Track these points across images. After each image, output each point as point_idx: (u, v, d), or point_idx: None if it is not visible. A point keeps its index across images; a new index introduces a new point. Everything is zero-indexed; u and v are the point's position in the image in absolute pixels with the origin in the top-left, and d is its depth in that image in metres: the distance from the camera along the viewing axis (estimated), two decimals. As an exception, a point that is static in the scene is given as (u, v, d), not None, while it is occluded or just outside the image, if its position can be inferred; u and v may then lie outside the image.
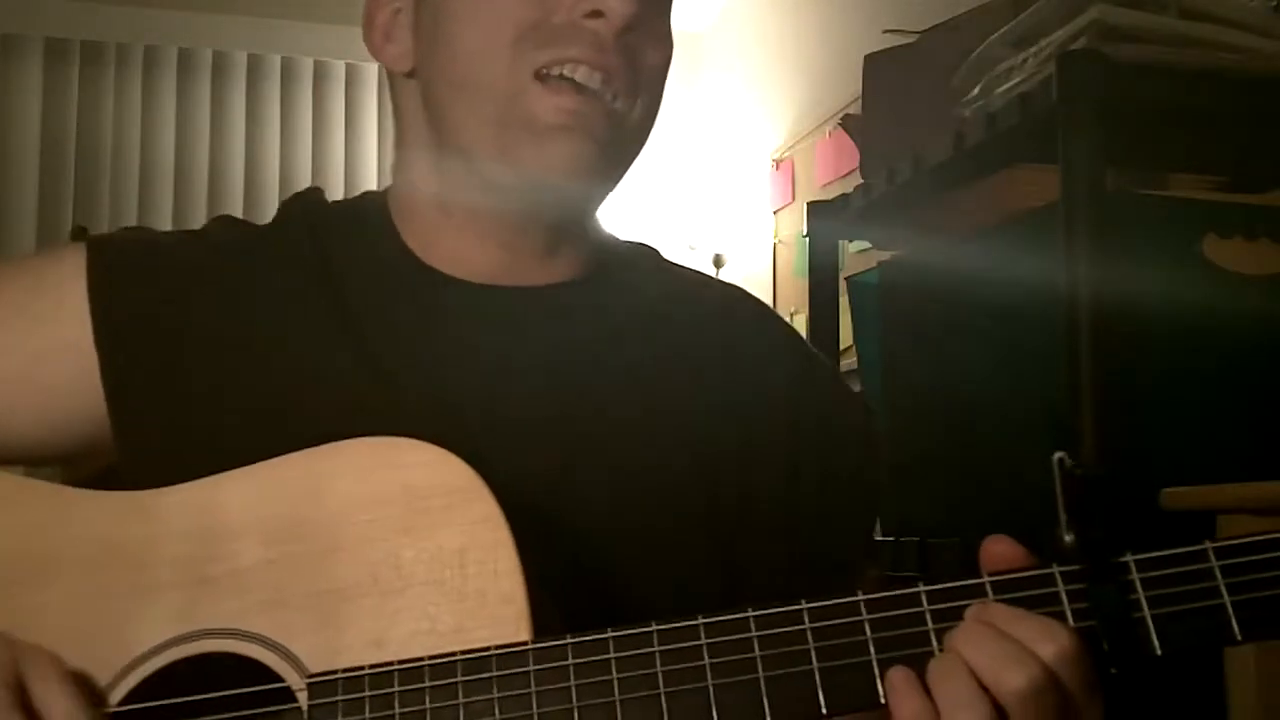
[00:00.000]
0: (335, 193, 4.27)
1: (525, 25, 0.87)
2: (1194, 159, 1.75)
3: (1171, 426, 1.50)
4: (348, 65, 4.41)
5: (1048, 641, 0.68)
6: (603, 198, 0.95)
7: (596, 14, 0.86)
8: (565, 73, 0.87)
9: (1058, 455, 0.72)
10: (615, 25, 0.86)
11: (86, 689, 0.76)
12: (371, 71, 4.43)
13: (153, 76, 4.28)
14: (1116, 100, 1.49)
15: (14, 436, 0.91)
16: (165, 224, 4.12)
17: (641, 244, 1.03)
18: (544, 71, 0.87)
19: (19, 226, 4.10)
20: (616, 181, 0.94)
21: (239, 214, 4.10)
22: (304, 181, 4.30)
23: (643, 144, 0.95)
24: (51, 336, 0.90)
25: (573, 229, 0.95)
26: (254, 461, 0.81)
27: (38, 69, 4.17)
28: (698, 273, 1.05)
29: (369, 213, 0.97)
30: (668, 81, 0.97)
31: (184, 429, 0.88)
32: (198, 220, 4.11)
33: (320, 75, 4.41)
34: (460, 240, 0.93)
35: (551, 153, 0.87)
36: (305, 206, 0.98)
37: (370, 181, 4.34)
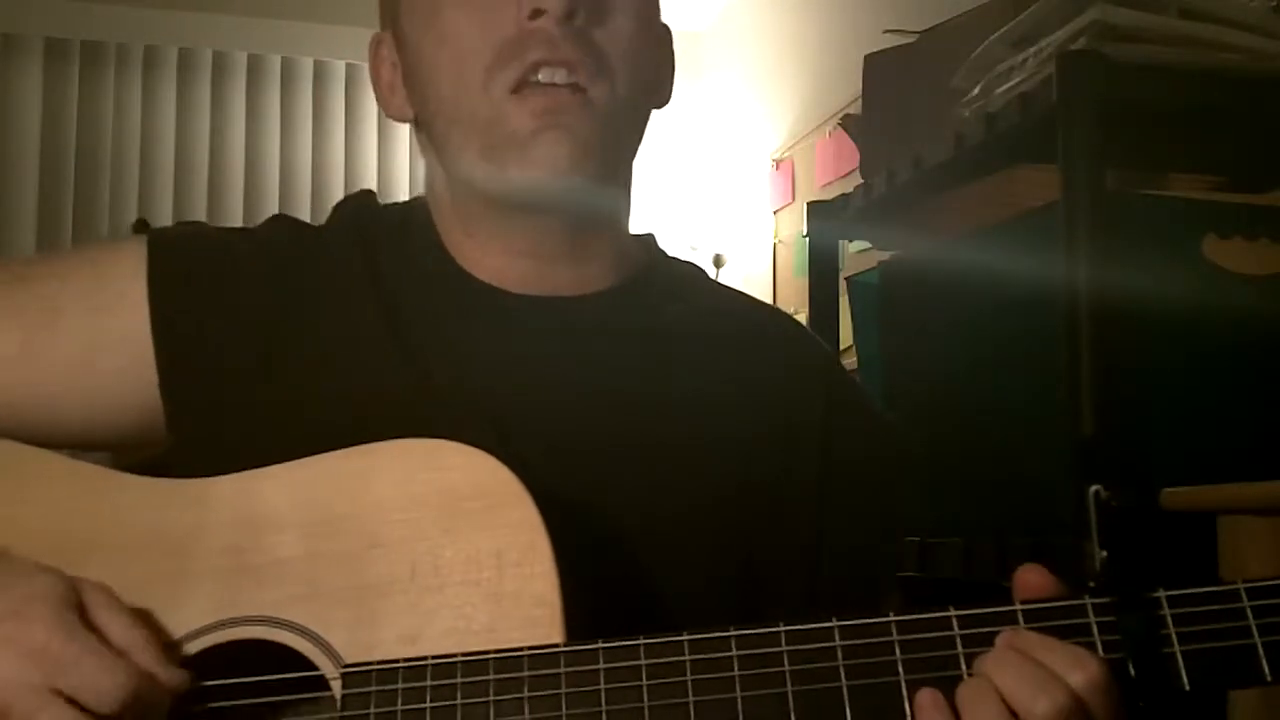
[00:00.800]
0: (335, 192, 4.27)
1: (489, 53, 0.90)
2: (1194, 159, 1.75)
3: (1171, 426, 1.49)
4: (348, 65, 4.41)
5: (1077, 670, 0.69)
6: (614, 193, 0.97)
7: (537, 13, 0.88)
8: (531, 79, 0.89)
9: (1094, 488, 0.73)
10: (557, 16, 0.88)
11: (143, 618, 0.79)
12: (371, 71, 4.43)
13: (153, 76, 4.28)
14: (1116, 100, 1.49)
15: (71, 420, 0.93)
16: (165, 223, 4.11)
17: (689, 263, 1.06)
18: (516, 87, 0.89)
19: (19, 226, 4.09)
20: (615, 171, 0.95)
21: (238, 213, 4.13)
22: (304, 181, 4.31)
23: (638, 122, 0.96)
24: (111, 326, 0.93)
25: (596, 230, 0.96)
26: (299, 457, 0.83)
27: (38, 69, 4.17)
28: (738, 292, 1.08)
29: (416, 218, 1.00)
30: (668, 50, 0.98)
31: (233, 422, 0.90)
32: (197, 219, 4.12)
33: (320, 75, 4.41)
34: (487, 255, 0.96)
35: (536, 156, 0.89)
36: (357, 210, 1.01)
37: (370, 181, 4.33)
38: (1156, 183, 1.74)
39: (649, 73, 0.96)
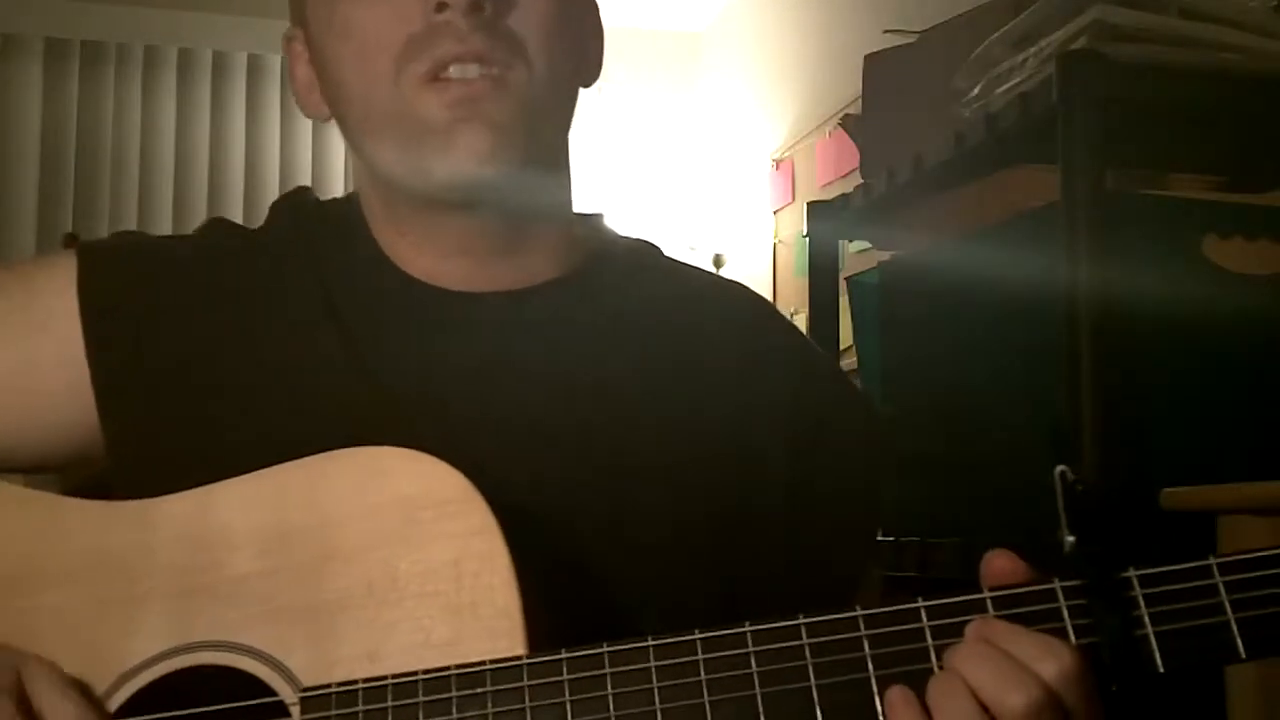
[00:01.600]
0: (335, 192, 4.27)
1: (395, 47, 0.85)
2: (1194, 159, 1.75)
3: (1171, 426, 1.50)
4: (348, 65, 4.41)
5: (1049, 660, 0.67)
6: (547, 179, 0.92)
7: (443, 5, 0.84)
8: (441, 75, 0.85)
9: (1060, 469, 0.71)
10: (462, 8, 0.84)
11: (88, 695, 0.76)
12: (371, 71, 4.43)
13: (153, 76, 4.27)
14: (1116, 100, 1.49)
15: (6, 443, 0.90)
16: (165, 223, 4.12)
17: (641, 241, 1.01)
18: (427, 79, 0.85)
19: (18, 226, 4.09)
20: (543, 154, 0.90)
21: (238, 213, 4.13)
22: (303, 181, 4.29)
23: (564, 103, 0.92)
24: (43, 345, 0.90)
25: (534, 220, 0.92)
26: (247, 469, 0.81)
27: (38, 69, 4.17)
28: (698, 270, 1.03)
29: (352, 216, 0.96)
30: (592, 23, 0.93)
31: (175, 436, 0.87)
32: (197, 219, 4.11)
33: (320, 75, 4.41)
34: (422, 255, 0.92)
35: (456, 148, 0.85)
36: (294, 207, 0.98)
37: (369, 181, 4.33)
38: (1156, 183, 1.74)
39: (571, 50, 0.91)
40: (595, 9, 0.97)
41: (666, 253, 1.02)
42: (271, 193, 4.24)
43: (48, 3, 4.16)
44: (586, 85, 0.95)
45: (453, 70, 0.84)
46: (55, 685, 0.75)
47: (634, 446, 0.88)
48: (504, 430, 0.87)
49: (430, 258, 0.91)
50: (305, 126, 4.36)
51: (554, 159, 0.93)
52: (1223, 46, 1.56)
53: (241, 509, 0.80)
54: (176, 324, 0.90)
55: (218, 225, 0.99)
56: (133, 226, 4.09)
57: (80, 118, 4.18)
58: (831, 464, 0.93)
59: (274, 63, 4.37)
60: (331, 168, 4.36)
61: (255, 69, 4.36)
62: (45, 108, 4.16)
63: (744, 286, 1.03)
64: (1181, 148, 1.72)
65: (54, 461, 0.93)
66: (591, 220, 0.99)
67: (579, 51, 0.93)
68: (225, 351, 0.89)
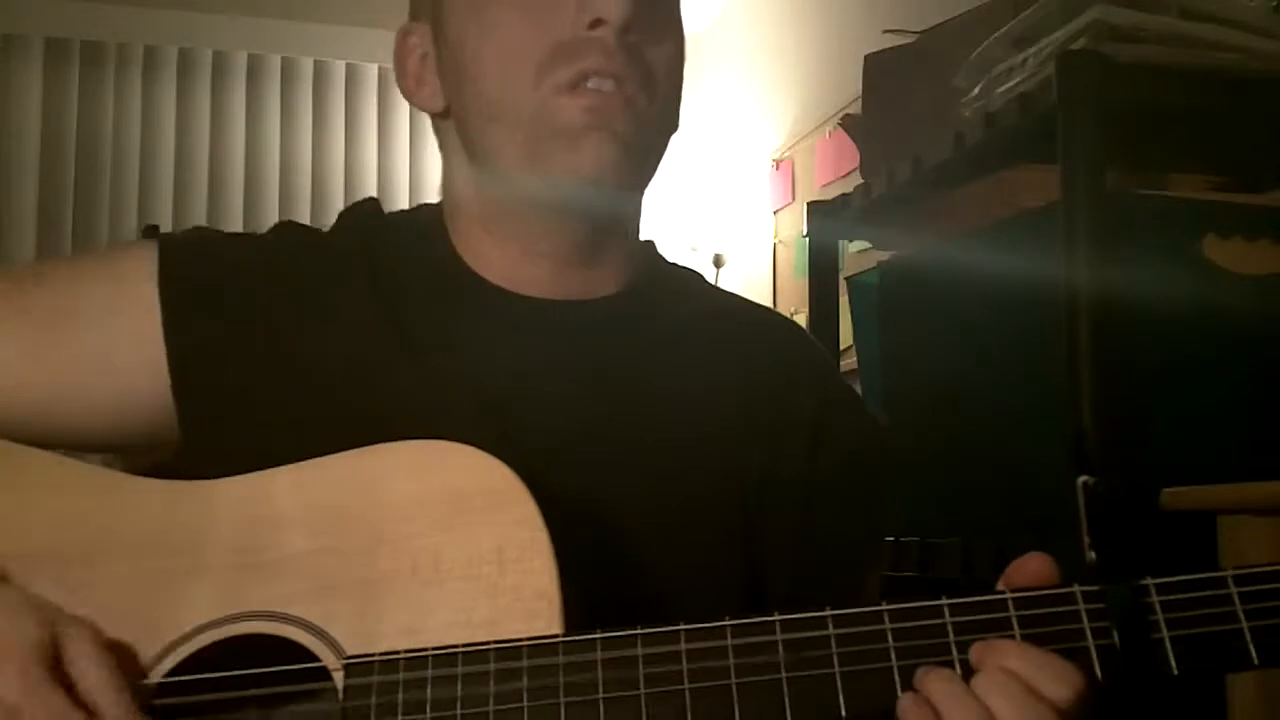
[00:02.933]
0: (335, 192, 4.28)
1: (541, 52, 0.91)
2: (1194, 159, 1.75)
3: (1171, 426, 1.50)
4: (348, 65, 4.41)
5: (1064, 685, 0.70)
6: (636, 201, 1.00)
7: (598, 22, 0.90)
8: (582, 85, 0.90)
9: (1082, 479, 0.74)
10: (616, 27, 0.89)
11: (125, 661, 0.79)
12: (371, 72, 4.43)
13: (153, 76, 4.28)
14: (1116, 100, 1.49)
15: (82, 422, 0.94)
16: (165, 223, 4.12)
17: (688, 268, 1.08)
18: (567, 88, 0.90)
19: (19, 226, 4.10)
20: (645, 181, 0.98)
21: (238, 213, 4.14)
22: (304, 181, 4.31)
23: (666, 140, 0.99)
24: (123, 328, 0.94)
25: (613, 236, 0.99)
26: (306, 458, 0.85)
27: (38, 69, 4.17)
28: (736, 295, 1.10)
29: (424, 223, 1.01)
30: (683, 74, 0.99)
31: (242, 425, 0.92)
32: (198, 219, 4.12)
33: (320, 75, 4.42)
34: (505, 255, 0.97)
35: (582, 152, 0.90)
36: (359, 217, 1.03)
37: (370, 181, 4.34)
38: (1156, 183, 1.74)
39: (680, 92, 0.98)
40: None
41: (709, 280, 1.10)
42: (272, 192, 4.24)
43: (48, 3, 4.17)
44: (675, 133, 1.01)
45: (590, 82, 0.90)
46: (88, 650, 0.77)
47: (674, 449, 0.94)
48: (556, 429, 0.92)
49: (512, 259, 0.97)
50: (305, 126, 4.36)
51: (647, 184, 0.99)
52: (1223, 46, 1.56)
53: (298, 493, 0.84)
54: (247, 315, 0.94)
55: (288, 227, 1.03)
56: (133, 226, 4.10)
57: (80, 118, 4.19)
58: (848, 476, 0.99)
59: (274, 63, 4.38)
60: (332, 169, 4.36)
61: (255, 69, 4.37)
62: (45, 108, 4.16)
63: (776, 312, 1.12)
64: (1181, 148, 1.72)
65: (124, 441, 0.97)
66: (646, 245, 1.06)
67: (682, 97, 1.00)
68: (292, 344, 0.94)
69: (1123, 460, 1.40)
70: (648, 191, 1.00)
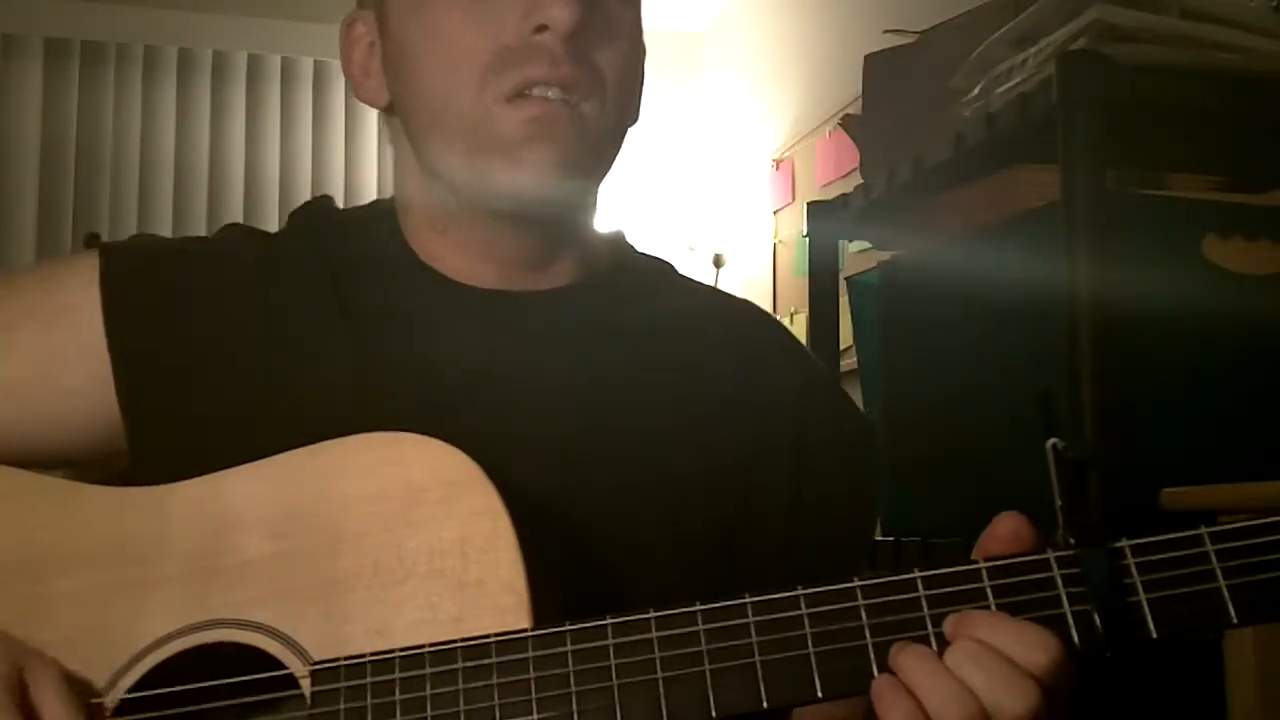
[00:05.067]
0: (335, 192, 4.27)
1: (484, 56, 0.88)
2: (1194, 159, 1.75)
3: (1171, 426, 1.50)
4: (348, 65, 4.41)
5: (1041, 653, 0.68)
6: (588, 202, 0.97)
7: (543, 28, 0.87)
8: (526, 93, 0.88)
9: (1051, 441, 0.72)
10: (562, 34, 0.87)
11: (87, 683, 0.78)
12: (371, 71, 4.43)
13: (153, 76, 4.27)
14: (1116, 100, 1.49)
15: (29, 438, 0.92)
16: (165, 223, 4.12)
17: (656, 258, 1.05)
18: (510, 96, 0.88)
19: (19, 226, 4.09)
20: (599, 176, 0.94)
21: (239, 214, 4.13)
22: (304, 181, 4.30)
23: (619, 140, 0.95)
24: (66, 340, 0.92)
25: (564, 236, 0.96)
26: (259, 459, 0.83)
27: (38, 69, 4.17)
28: (708, 286, 1.07)
29: (378, 217, 0.99)
30: (644, 69, 0.97)
31: (193, 429, 0.90)
32: (197, 219, 4.12)
33: (320, 75, 4.41)
34: (456, 254, 0.95)
35: (524, 163, 0.88)
36: (311, 215, 1.01)
37: (370, 181, 4.34)
38: (1156, 183, 1.74)
39: (635, 91, 0.96)
40: (645, 58, 1.00)
41: (678, 269, 1.06)
42: (271, 192, 4.24)
43: (48, 3, 4.17)
44: (633, 124, 0.98)
45: (536, 90, 0.88)
46: (53, 685, 0.76)
47: (642, 443, 0.91)
48: (512, 420, 0.89)
49: (466, 259, 0.95)
50: (305, 127, 4.36)
51: (599, 186, 0.96)
52: (1223, 46, 1.56)
53: (253, 493, 0.82)
54: (193, 320, 0.93)
55: (235, 230, 1.01)
56: (132, 227, 4.09)
57: (80, 118, 4.19)
58: (831, 471, 0.96)
59: (274, 63, 4.38)
60: (332, 169, 4.36)
61: (255, 69, 4.36)
62: (45, 108, 4.16)
63: (748, 301, 1.06)
64: (1181, 148, 1.72)
65: (77, 455, 0.95)
66: (613, 237, 1.03)
67: (638, 94, 0.97)
68: (240, 348, 0.92)
69: (1123, 460, 1.40)
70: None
